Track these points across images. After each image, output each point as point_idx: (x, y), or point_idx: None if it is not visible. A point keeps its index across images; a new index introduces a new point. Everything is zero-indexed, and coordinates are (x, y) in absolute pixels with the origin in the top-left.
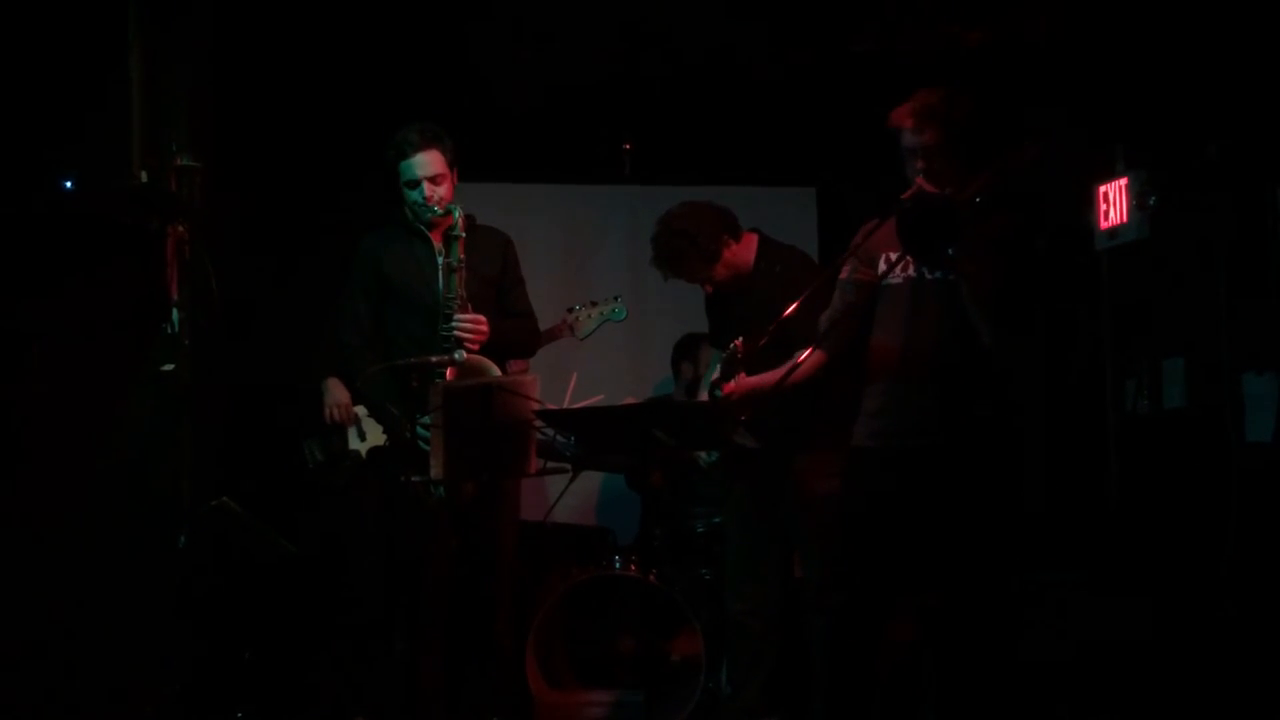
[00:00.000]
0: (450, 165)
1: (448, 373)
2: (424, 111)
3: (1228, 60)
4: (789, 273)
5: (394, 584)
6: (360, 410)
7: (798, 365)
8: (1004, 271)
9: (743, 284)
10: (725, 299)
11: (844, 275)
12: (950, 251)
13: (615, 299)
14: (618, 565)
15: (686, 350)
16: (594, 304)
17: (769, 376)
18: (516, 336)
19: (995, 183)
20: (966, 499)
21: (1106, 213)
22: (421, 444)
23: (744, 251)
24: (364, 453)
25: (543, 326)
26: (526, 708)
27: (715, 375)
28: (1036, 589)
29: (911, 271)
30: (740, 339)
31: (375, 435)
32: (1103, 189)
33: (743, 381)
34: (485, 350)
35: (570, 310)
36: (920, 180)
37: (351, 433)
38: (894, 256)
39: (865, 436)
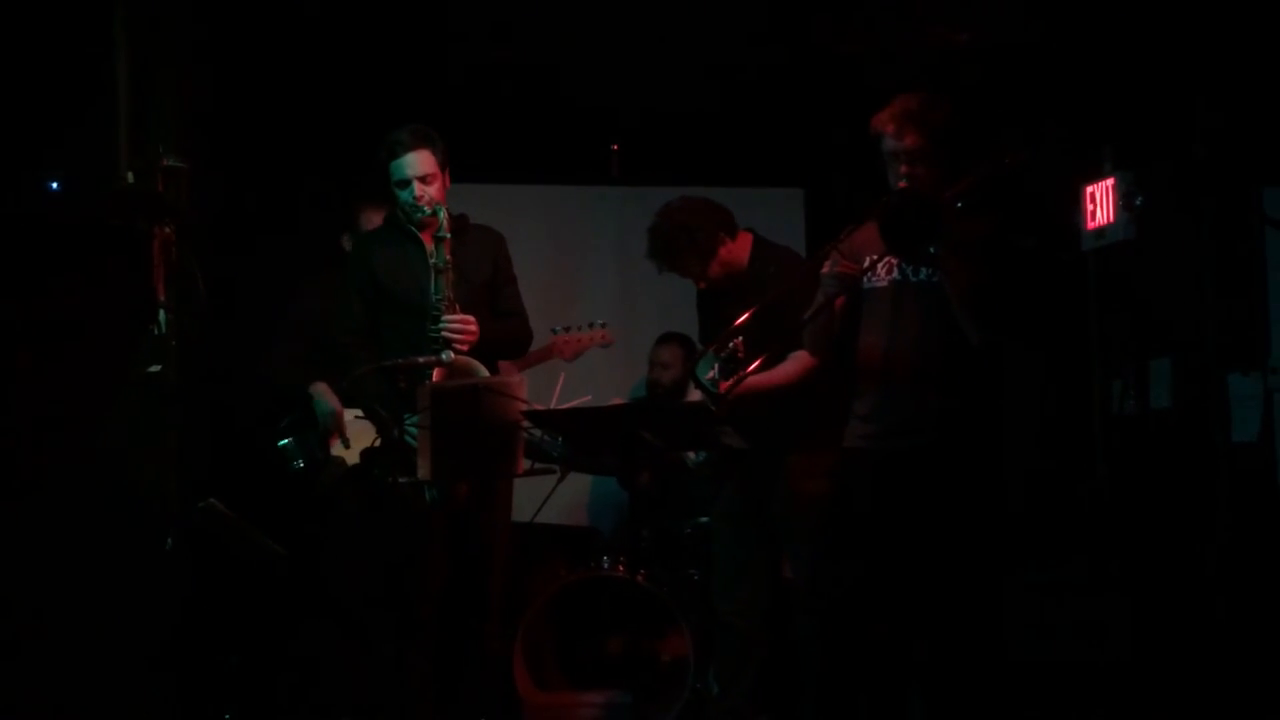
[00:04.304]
0: (441, 166)
1: (435, 374)
2: (411, 112)
3: (1214, 62)
4: (783, 273)
5: (382, 586)
6: (345, 415)
7: (777, 358)
8: (987, 271)
9: (736, 283)
10: (717, 297)
11: (825, 270)
12: (932, 250)
13: (603, 326)
14: (606, 566)
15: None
16: (579, 329)
17: (763, 377)
18: (508, 337)
19: (978, 187)
20: (954, 499)
21: (1093, 213)
22: (410, 443)
23: (739, 250)
24: (347, 459)
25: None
26: (514, 709)
27: (711, 374)
28: (1024, 588)
29: (895, 274)
30: (741, 339)
31: (359, 441)
32: (1090, 189)
33: (743, 381)
34: (476, 351)
35: (554, 331)
36: (903, 185)
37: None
38: (877, 258)
39: (856, 438)
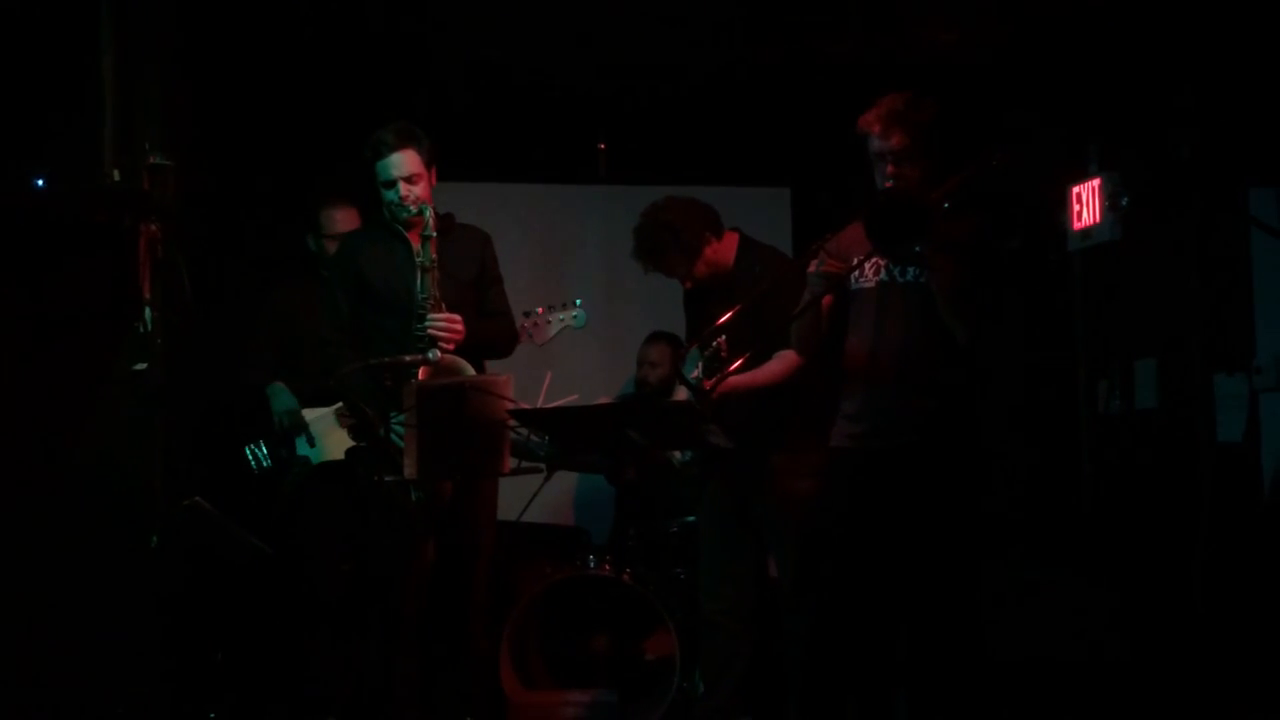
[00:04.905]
0: (427, 165)
1: (420, 372)
2: (397, 110)
3: (1200, 62)
4: (769, 273)
5: (366, 585)
6: (308, 414)
7: (761, 356)
8: (973, 271)
9: (722, 282)
10: (703, 296)
11: (811, 269)
12: (918, 249)
13: (576, 304)
14: (592, 565)
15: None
16: (552, 309)
17: (749, 376)
18: (494, 336)
19: (965, 187)
20: (939, 499)
21: (1079, 213)
22: (396, 442)
23: (725, 250)
24: (313, 459)
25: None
26: (500, 708)
27: (696, 372)
28: (1010, 587)
29: (882, 274)
30: (724, 338)
31: (325, 441)
32: (1076, 190)
33: (728, 380)
34: (463, 350)
35: (527, 315)
36: (889, 185)
37: (300, 439)
38: (864, 257)
39: (843, 438)
